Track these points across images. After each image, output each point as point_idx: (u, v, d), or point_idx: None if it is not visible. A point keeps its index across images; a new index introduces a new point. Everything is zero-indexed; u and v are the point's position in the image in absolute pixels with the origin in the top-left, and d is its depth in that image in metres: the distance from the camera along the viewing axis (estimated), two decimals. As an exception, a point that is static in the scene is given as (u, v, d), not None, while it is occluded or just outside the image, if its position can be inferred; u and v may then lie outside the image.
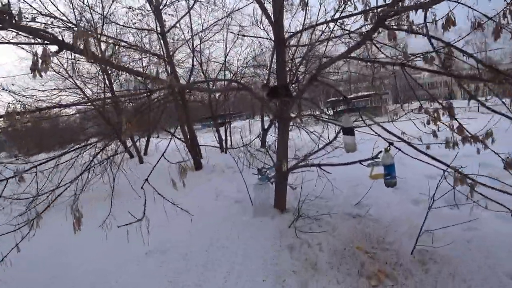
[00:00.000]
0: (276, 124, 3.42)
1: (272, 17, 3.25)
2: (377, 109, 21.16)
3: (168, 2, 6.99)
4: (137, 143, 9.84)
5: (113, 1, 7.16)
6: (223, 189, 4.71)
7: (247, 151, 6.72)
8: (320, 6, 3.52)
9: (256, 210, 2.67)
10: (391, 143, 2.51)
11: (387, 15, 1.70)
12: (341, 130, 2.80)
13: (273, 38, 3.35)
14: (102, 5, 7.17)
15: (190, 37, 7.59)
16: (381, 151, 2.75)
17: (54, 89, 8.69)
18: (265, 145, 7.53)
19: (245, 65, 9.72)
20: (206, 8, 7.86)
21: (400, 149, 2.59)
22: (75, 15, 6.86)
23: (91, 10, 6.93)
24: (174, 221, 3.41)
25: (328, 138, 3.47)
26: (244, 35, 7.77)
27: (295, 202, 3.56)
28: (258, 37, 8.17)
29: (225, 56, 8.77)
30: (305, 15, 3.70)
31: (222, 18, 7.39)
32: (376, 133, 2.59)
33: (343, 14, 3.08)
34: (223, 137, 9.24)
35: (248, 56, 9.56)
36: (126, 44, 6.98)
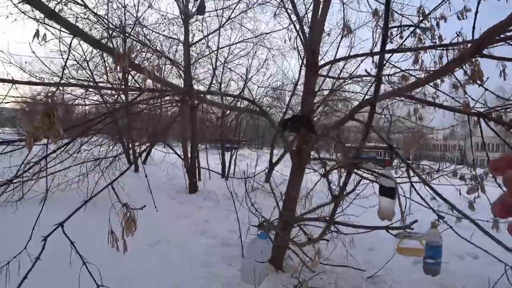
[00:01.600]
0: (289, 161, 2.82)
1: (308, 39, 2.80)
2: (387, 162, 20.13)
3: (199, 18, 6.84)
4: (137, 149, 9.35)
5: (148, 6, 7.07)
6: (212, 225, 4.02)
7: (249, 184, 6.11)
8: (373, 35, 3.04)
9: (245, 272, 2.02)
10: (441, 217, 1.86)
11: (495, 32, 1.16)
12: (379, 188, 2.17)
13: (304, 63, 2.88)
14: (137, 8, 7.11)
15: (214, 54, 7.34)
16: (416, 221, 2.10)
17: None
18: (269, 180, 6.88)
19: (264, 94, 9.43)
20: (238, 30, 7.72)
21: (447, 223, 1.94)
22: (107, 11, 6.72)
23: (125, 10, 6.81)
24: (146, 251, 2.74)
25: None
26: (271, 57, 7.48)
27: (295, 261, 2.86)
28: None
29: (245, 80, 8.49)
30: (339, 43, 3.25)
31: (250, 38, 7.10)
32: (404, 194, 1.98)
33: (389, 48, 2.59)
34: (227, 163, 8.67)
35: (269, 86, 9.30)
36: (150, 47, 6.75)
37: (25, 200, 4.07)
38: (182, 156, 6.00)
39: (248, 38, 7.32)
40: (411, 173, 1.89)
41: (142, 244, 3.27)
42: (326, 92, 7.14)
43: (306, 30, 2.91)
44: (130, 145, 9.20)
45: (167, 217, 4.28)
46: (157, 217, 4.34)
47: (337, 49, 4.50)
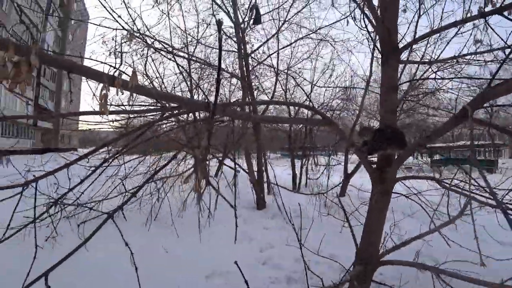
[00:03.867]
0: (371, 187, 2.12)
1: (379, 16, 2.09)
2: (491, 163, 15.42)
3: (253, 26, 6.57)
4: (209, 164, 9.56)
5: (207, 27, 7.19)
6: (277, 251, 3.51)
7: (321, 200, 5.39)
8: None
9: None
10: None
11: None
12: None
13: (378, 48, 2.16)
14: (198, 30, 7.38)
15: (273, 59, 6.93)
16: None
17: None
18: (344, 194, 6.01)
19: (333, 97, 8.55)
20: (297, 32, 7.17)
21: None
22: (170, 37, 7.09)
23: (187, 34, 7.07)
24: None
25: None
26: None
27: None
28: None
29: (312, 85, 7.81)
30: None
31: (309, 34, 6.44)
32: None
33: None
34: (298, 173, 8.07)
35: (337, 87, 8.41)
36: (210, 64, 6.81)
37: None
38: (247, 171, 5.69)
39: (307, 34, 6.65)
40: None
41: (199, 275, 2.99)
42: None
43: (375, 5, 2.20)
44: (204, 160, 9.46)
45: (230, 239, 3.95)
46: (219, 239, 4.11)
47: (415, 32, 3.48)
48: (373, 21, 2.17)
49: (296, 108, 7.63)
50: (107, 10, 4.39)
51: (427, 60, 2.69)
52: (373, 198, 2.08)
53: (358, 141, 2.25)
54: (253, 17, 6.20)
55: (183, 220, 4.33)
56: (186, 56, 6.55)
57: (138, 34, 5.30)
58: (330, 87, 7.49)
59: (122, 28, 4.58)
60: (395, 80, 2.11)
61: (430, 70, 5.22)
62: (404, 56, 3.61)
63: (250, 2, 6.54)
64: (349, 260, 2.34)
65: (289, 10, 6.47)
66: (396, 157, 2.01)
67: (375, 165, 2.11)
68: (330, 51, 7.04)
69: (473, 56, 2.61)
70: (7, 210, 1.59)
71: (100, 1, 4.17)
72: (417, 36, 2.21)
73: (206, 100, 1.28)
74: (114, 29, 4.27)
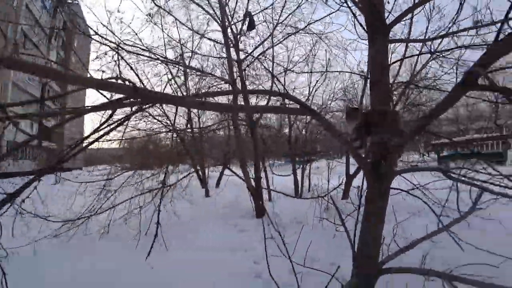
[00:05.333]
0: (365, 183, 1.84)
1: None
2: (500, 155, 14.70)
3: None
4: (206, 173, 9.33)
5: (201, 38, 7.09)
6: (273, 262, 3.20)
7: (324, 204, 5.08)
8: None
9: None
10: None
11: None
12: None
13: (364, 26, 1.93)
14: (193, 40, 7.32)
15: (271, 67, 6.72)
16: None
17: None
18: (347, 196, 5.67)
19: (332, 98, 8.33)
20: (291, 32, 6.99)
21: None
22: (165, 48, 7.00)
23: (182, 46, 6.99)
24: None
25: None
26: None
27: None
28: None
29: (309, 88, 7.60)
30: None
31: (300, 30, 6.23)
32: None
33: None
34: (299, 179, 7.77)
35: (335, 89, 8.19)
36: (200, 72, 6.67)
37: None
38: (243, 178, 5.42)
39: (297, 30, 6.44)
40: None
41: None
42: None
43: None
44: (199, 169, 9.28)
45: (223, 250, 3.67)
46: (211, 249, 3.82)
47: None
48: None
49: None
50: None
51: (419, 39, 2.43)
52: (368, 196, 1.80)
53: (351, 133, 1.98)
54: (246, 23, 6.10)
55: (171, 233, 4.07)
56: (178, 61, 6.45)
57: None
58: (305, 72, 7.12)
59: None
60: (385, 59, 1.86)
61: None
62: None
63: (246, 9, 6.46)
64: (350, 267, 2.05)
65: (281, 14, 6.32)
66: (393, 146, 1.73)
67: (369, 157, 1.84)
68: (325, 50, 6.76)
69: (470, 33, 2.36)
70: None
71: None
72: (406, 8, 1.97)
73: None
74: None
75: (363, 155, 1.87)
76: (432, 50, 2.60)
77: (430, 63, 4.99)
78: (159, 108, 7.47)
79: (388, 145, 1.72)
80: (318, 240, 3.73)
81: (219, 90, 6.81)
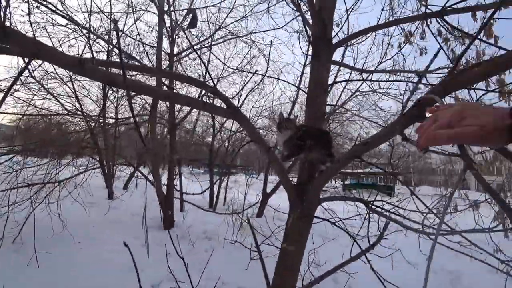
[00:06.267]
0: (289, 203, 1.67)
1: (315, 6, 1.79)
2: (389, 188, 17.70)
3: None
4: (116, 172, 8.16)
5: (135, 21, 6.27)
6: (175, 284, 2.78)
7: (238, 220, 4.89)
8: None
9: None
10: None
11: None
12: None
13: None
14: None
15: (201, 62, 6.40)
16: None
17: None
18: (262, 214, 5.65)
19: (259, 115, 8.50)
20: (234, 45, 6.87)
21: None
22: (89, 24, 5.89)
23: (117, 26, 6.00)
24: None
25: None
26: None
27: None
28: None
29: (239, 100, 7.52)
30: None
31: (243, 36, 6.19)
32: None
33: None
34: (215, 191, 7.47)
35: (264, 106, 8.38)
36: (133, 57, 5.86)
37: None
38: (153, 183, 4.83)
39: (236, 36, 6.38)
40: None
41: None
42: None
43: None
44: (106, 167, 8.04)
45: (114, 271, 3.05)
46: (98, 269, 3.15)
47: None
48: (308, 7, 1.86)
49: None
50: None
51: (360, 69, 2.53)
52: (288, 222, 1.64)
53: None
54: (188, 19, 5.67)
55: (48, 244, 3.23)
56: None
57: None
58: (244, 71, 7.07)
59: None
60: (326, 80, 1.80)
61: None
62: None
63: (190, 5, 6.04)
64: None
65: (225, 19, 6.15)
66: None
67: (295, 182, 1.70)
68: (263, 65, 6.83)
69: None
70: None
71: None
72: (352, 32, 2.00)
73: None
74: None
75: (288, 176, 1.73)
76: (367, 80, 2.81)
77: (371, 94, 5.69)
78: (64, 83, 6.21)
79: (318, 167, 1.62)
80: (230, 261, 3.47)
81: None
